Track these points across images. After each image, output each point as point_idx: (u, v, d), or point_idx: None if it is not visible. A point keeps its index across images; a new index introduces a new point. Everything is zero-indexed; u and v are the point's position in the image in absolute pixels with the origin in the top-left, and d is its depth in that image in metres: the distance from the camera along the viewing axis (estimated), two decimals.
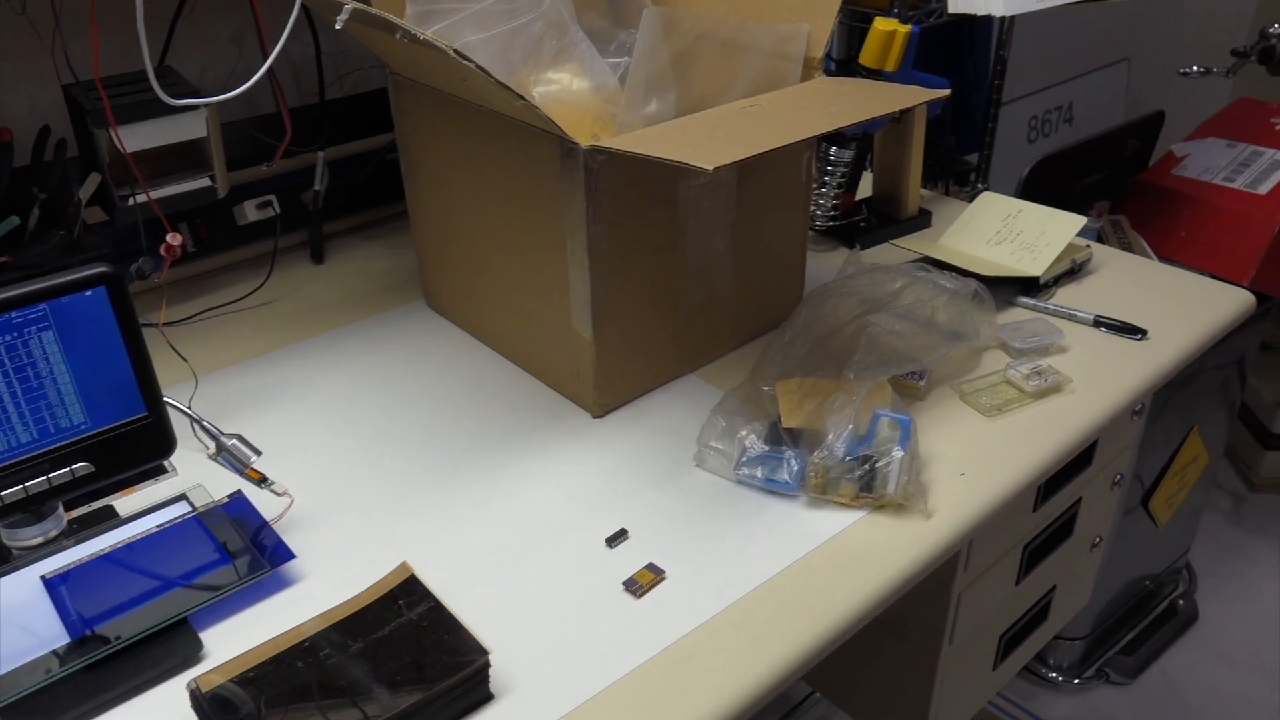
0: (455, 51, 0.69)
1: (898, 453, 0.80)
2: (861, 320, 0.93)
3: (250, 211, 1.13)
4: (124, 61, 1.05)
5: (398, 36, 0.74)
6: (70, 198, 0.97)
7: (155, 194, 1.00)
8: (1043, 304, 1.08)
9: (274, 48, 0.82)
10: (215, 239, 1.15)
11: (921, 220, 1.28)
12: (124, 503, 0.82)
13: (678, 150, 0.72)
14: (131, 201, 0.98)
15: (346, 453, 0.89)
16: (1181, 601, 1.90)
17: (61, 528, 0.64)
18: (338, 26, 0.78)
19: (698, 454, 0.86)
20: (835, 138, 1.17)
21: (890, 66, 1.11)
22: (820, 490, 0.81)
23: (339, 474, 0.86)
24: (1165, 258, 1.59)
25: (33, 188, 0.97)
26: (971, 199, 1.24)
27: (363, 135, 1.22)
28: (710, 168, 0.68)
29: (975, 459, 0.86)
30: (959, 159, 1.92)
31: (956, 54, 2.11)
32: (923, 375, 0.94)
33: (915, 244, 1.18)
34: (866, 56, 1.11)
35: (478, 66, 0.71)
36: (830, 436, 0.82)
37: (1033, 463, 0.86)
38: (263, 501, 0.81)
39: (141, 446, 0.62)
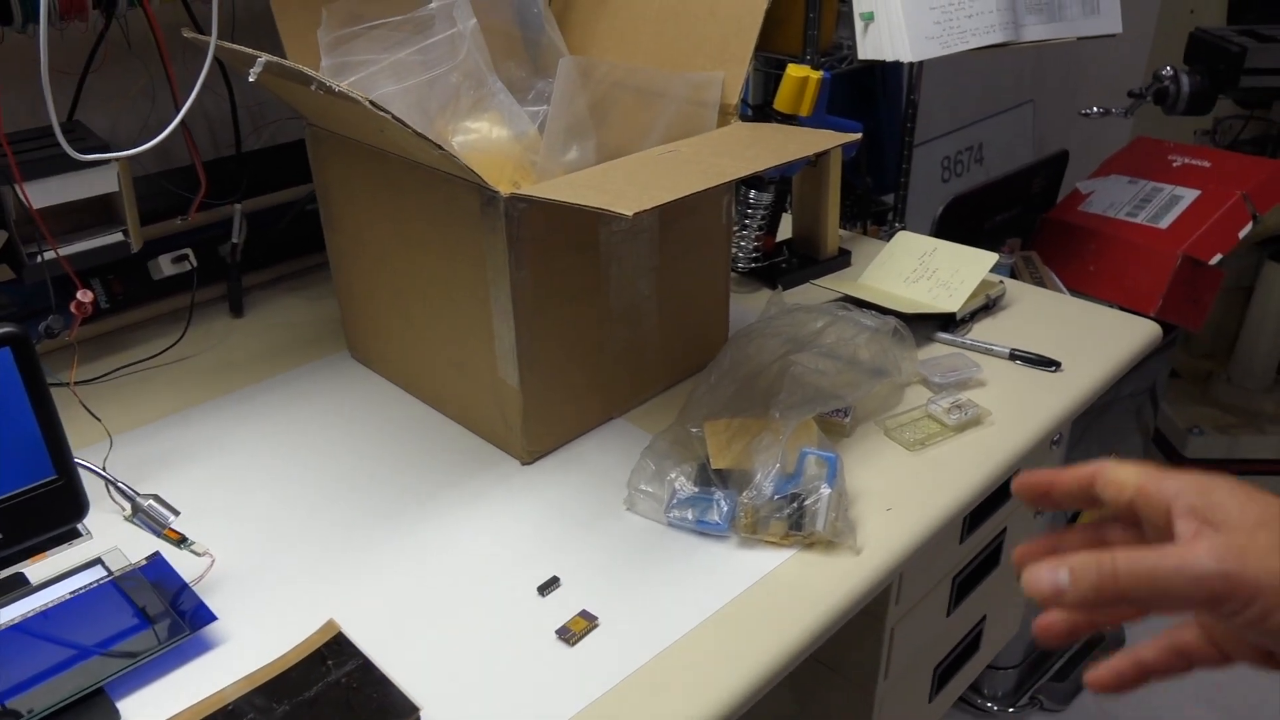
0: (371, 103, 0.69)
1: (825, 490, 0.81)
2: (785, 360, 0.94)
3: (166, 266, 1.11)
4: (32, 116, 1.03)
5: (313, 88, 0.74)
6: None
7: (66, 250, 0.97)
8: (960, 339, 1.11)
9: (185, 101, 0.81)
10: (130, 294, 1.12)
11: (841, 260, 1.31)
12: (35, 569, 0.78)
13: (598, 196, 0.72)
14: (40, 259, 0.96)
15: (269, 511, 0.86)
16: (1109, 628, 1.94)
17: None
18: (251, 79, 0.77)
19: (628, 498, 0.86)
20: (754, 181, 1.19)
21: (804, 111, 1.14)
22: (751, 530, 0.81)
23: (262, 532, 0.84)
24: (1076, 291, 1.65)
25: None
26: (889, 238, 1.27)
27: (281, 186, 1.21)
28: (630, 213, 0.69)
29: (902, 493, 0.87)
30: (876, 200, 1.97)
31: (870, 98, 2.17)
32: (847, 412, 0.95)
33: (836, 283, 1.20)
34: (781, 102, 1.14)
35: (394, 117, 0.71)
36: (758, 476, 0.83)
37: (957, 495, 0.88)
38: (183, 563, 0.78)
39: (52, 511, 0.60)
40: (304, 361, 1.09)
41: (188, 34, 0.84)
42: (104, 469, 0.80)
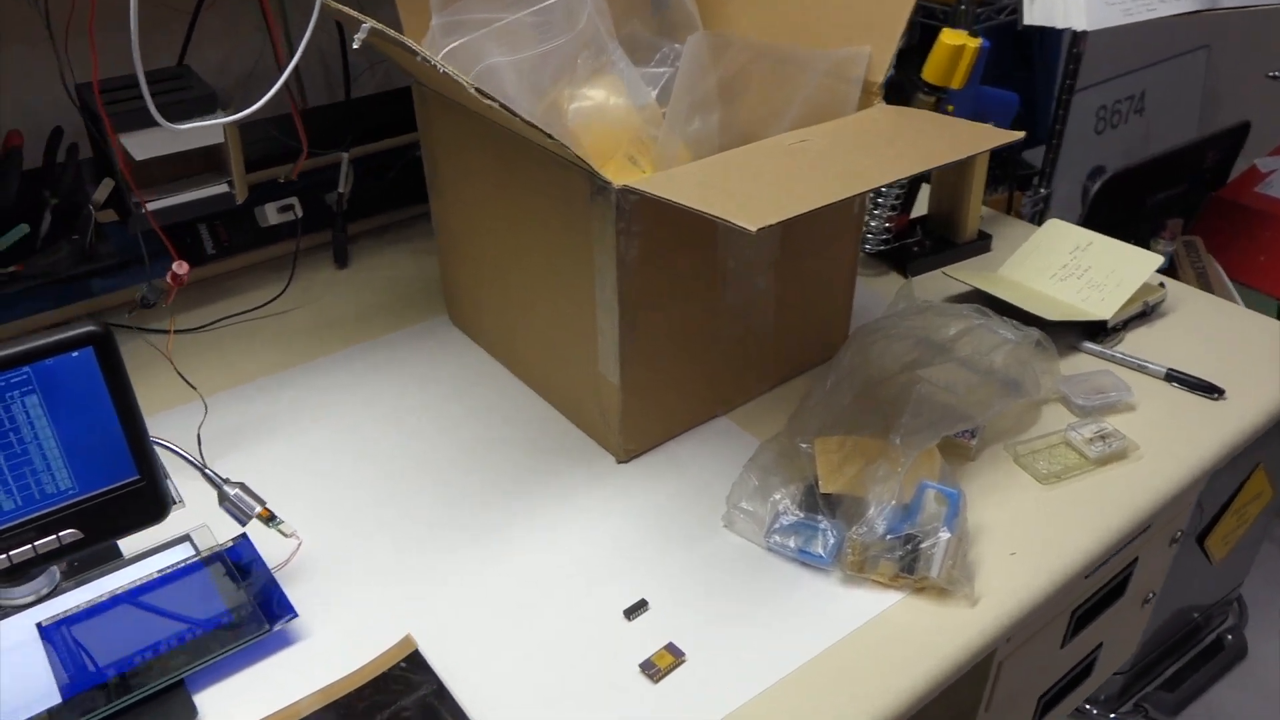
0: (477, 90, 0.63)
1: (944, 535, 0.73)
2: (911, 375, 0.86)
3: (272, 214, 1.08)
4: (145, 58, 1.00)
5: (418, 60, 0.68)
6: (83, 202, 0.93)
7: (170, 201, 0.95)
8: (1110, 351, 1.00)
9: (292, 55, 0.76)
10: (236, 241, 1.10)
11: (980, 245, 1.20)
12: (128, 540, 0.78)
13: (718, 201, 0.65)
14: (144, 209, 0.94)
15: (358, 489, 0.84)
16: (1230, 636, 1.81)
17: (55, 584, 0.61)
18: (354, 46, 0.71)
19: (727, 515, 0.80)
20: None
21: (956, 84, 1.03)
22: (858, 568, 0.75)
23: (348, 515, 0.81)
24: (1241, 283, 1.49)
25: (44, 192, 0.93)
26: (1034, 207, 1.15)
27: (392, 133, 1.16)
28: (754, 228, 0.61)
29: (1028, 535, 0.79)
30: (1023, 162, 1.82)
31: (1024, 42, 1.99)
32: (975, 433, 0.87)
33: (972, 275, 1.10)
34: (930, 71, 1.03)
35: (501, 105, 0.64)
36: (871, 510, 0.76)
37: (1091, 542, 0.79)
38: (268, 543, 0.77)
39: (133, 511, 0.58)
40: (403, 324, 1.06)
41: None
42: (199, 444, 0.79)
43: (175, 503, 0.61)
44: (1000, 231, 1.24)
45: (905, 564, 0.74)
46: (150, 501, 0.59)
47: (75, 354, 0.54)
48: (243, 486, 0.70)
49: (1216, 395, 0.94)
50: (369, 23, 0.70)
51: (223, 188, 0.98)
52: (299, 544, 0.77)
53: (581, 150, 0.89)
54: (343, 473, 0.86)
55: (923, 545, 0.74)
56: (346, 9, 0.74)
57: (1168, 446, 0.88)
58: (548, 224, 0.82)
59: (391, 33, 0.69)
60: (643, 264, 0.76)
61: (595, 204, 0.74)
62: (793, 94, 0.85)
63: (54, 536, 0.56)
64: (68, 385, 0.54)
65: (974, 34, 1.02)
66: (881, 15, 0.85)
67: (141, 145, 0.90)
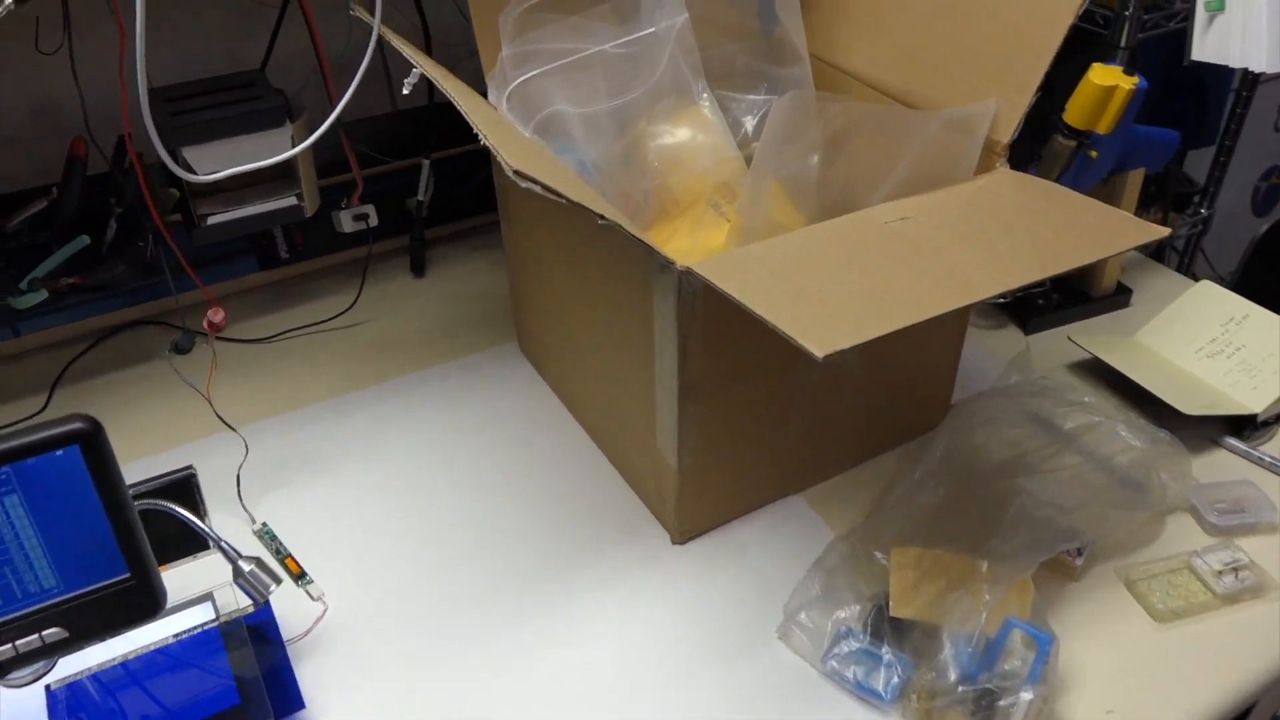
0: (515, 173, 0.55)
1: (1025, 696, 0.63)
2: (1013, 484, 0.75)
3: (347, 222, 1.04)
4: (229, 60, 0.97)
5: (471, 125, 0.61)
6: (148, 210, 0.90)
7: (236, 214, 0.91)
8: (1256, 453, 0.86)
9: (342, 97, 0.70)
10: (311, 245, 1.06)
11: (1118, 300, 1.06)
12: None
13: (788, 306, 0.56)
14: (209, 220, 0.90)
15: (400, 547, 0.79)
16: None
17: (53, 665, 0.59)
18: (405, 92, 0.65)
19: (782, 626, 0.72)
20: None
21: (1103, 129, 0.89)
22: (924, 717, 0.66)
23: (384, 579, 0.77)
24: None
25: (110, 199, 0.90)
26: (1193, 230, 1.00)
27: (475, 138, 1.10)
28: (820, 355, 0.52)
29: (1132, 686, 0.69)
30: (1182, 177, 1.63)
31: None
32: (1082, 551, 0.76)
33: (1102, 343, 0.97)
34: (1074, 114, 0.89)
35: (544, 187, 0.56)
36: (945, 649, 0.66)
37: (1208, 703, 0.68)
38: (293, 600, 0.73)
39: (123, 608, 0.55)
40: (473, 348, 1.00)
41: (355, 8, 0.72)
42: (237, 484, 0.76)
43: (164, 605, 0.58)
44: (1144, 283, 1.09)
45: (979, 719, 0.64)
46: (142, 598, 0.55)
47: (60, 452, 0.50)
48: (259, 562, 0.66)
49: None
50: (419, 69, 0.63)
51: (291, 200, 0.93)
52: (324, 610, 0.74)
53: (665, 190, 0.81)
54: (388, 525, 0.81)
55: (1000, 703, 0.64)
56: (402, 44, 0.67)
57: None
58: (609, 286, 0.74)
59: (443, 85, 0.62)
60: (707, 344, 0.68)
61: (659, 280, 0.66)
62: (903, 147, 0.74)
63: (37, 635, 0.53)
64: (52, 483, 0.50)
65: (1130, 71, 0.88)
66: (1016, 61, 0.73)
67: (204, 160, 0.85)
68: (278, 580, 0.67)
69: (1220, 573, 0.75)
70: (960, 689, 0.65)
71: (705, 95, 0.76)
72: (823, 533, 0.80)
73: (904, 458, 0.86)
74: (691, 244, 0.76)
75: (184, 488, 0.83)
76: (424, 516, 0.82)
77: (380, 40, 1.05)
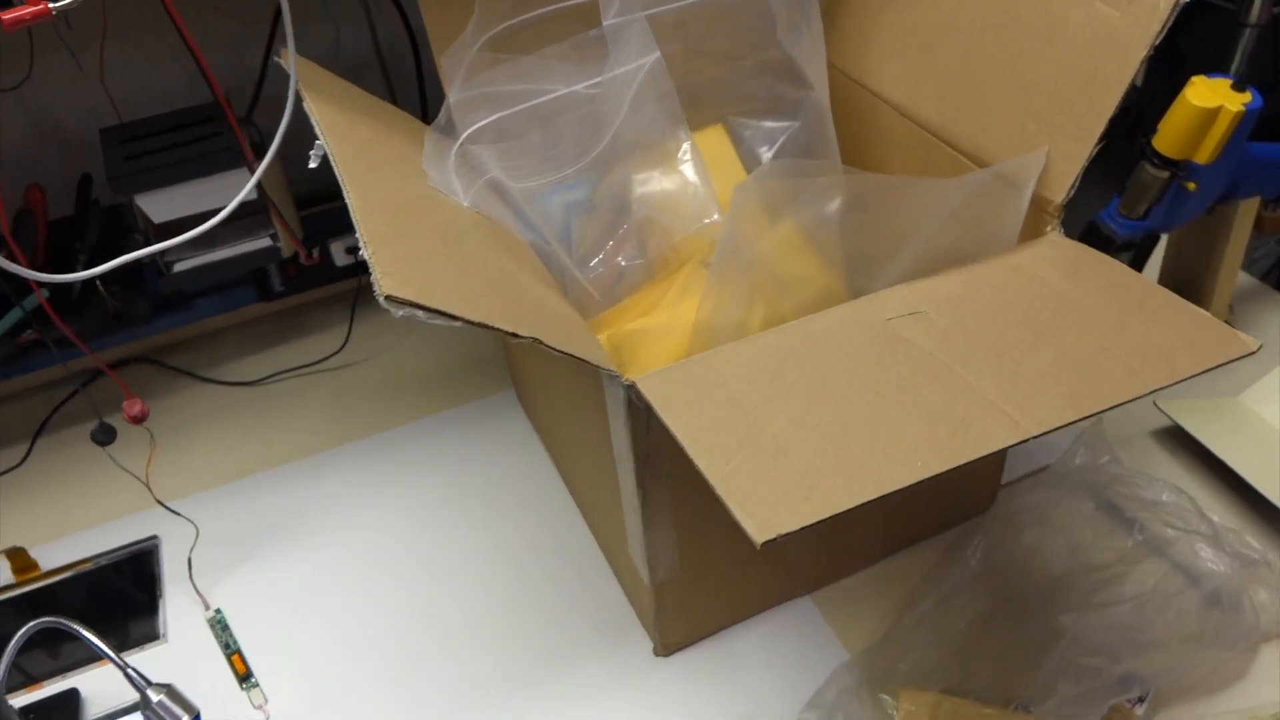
0: (428, 310, 0.44)
1: None
2: (1057, 622, 0.62)
3: (339, 255, 0.96)
4: (185, 92, 0.89)
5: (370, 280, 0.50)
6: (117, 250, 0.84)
7: (205, 259, 0.84)
8: None
9: (265, 158, 0.60)
10: (306, 277, 0.98)
11: None
12: (91, 682, 0.70)
13: (735, 461, 0.45)
14: (172, 269, 0.84)
15: (357, 647, 0.72)
16: None
17: None
18: (312, 165, 0.55)
19: None
20: (1096, 244, 0.80)
21: (1203, 158, 0.73)
22: None
23: (336, 683, 0.70)
24: None
25: (75, 244, 0.84)
26: None
27: None
28: (759, 541, 0.41)
29: None
30: None
31: None
32: (1145, 697, 0.62)
33: (1194, 412, 0.80)
34: (1166, 141, 0.73)
35: (478, 324, 0.45)
36: None
37: None
38: (235, 706, 0.67)
39: None
40: (467, 395, 0.91)
41: (283, 57, 0.63)
42: (189, 567, 0.70)
43: None
44: (1257, 320, 0.92)
45: None
46: None
47: None
48: (169, 691, 0.60)
49: None
50: (322, 147, 0.53)
51: (265, 241, 0.86)
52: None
53: (654, 238, 0.70)
54: (349, 615, 0.74)
55: None
56: (315, 108, 0.57)
57: None
58: (574, 379, 0.64)
59: (337, 164, 0.52)
60: (674, 459, 0.57)
61: (608, 388, 0.55)
62: (929, 209, 0.61)
63: None
64: None
65: (1240, 85, 0.71)
66: (1076, 100, 0.58)
67: (161, 206, 0.78)
68: (192, 711, 0.60)
69: None
70: None
71: (686, 146, 0.64)
72: (832, 648, 0.69)
73: (939, 552, 0.73)
74: (673, 316, 0.65)
75: (144, 561, 0.78)
76: (390, 607, 0.74)
77: (381, 55, 0.96)
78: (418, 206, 0.53)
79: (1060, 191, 0.59)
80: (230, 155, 0.78)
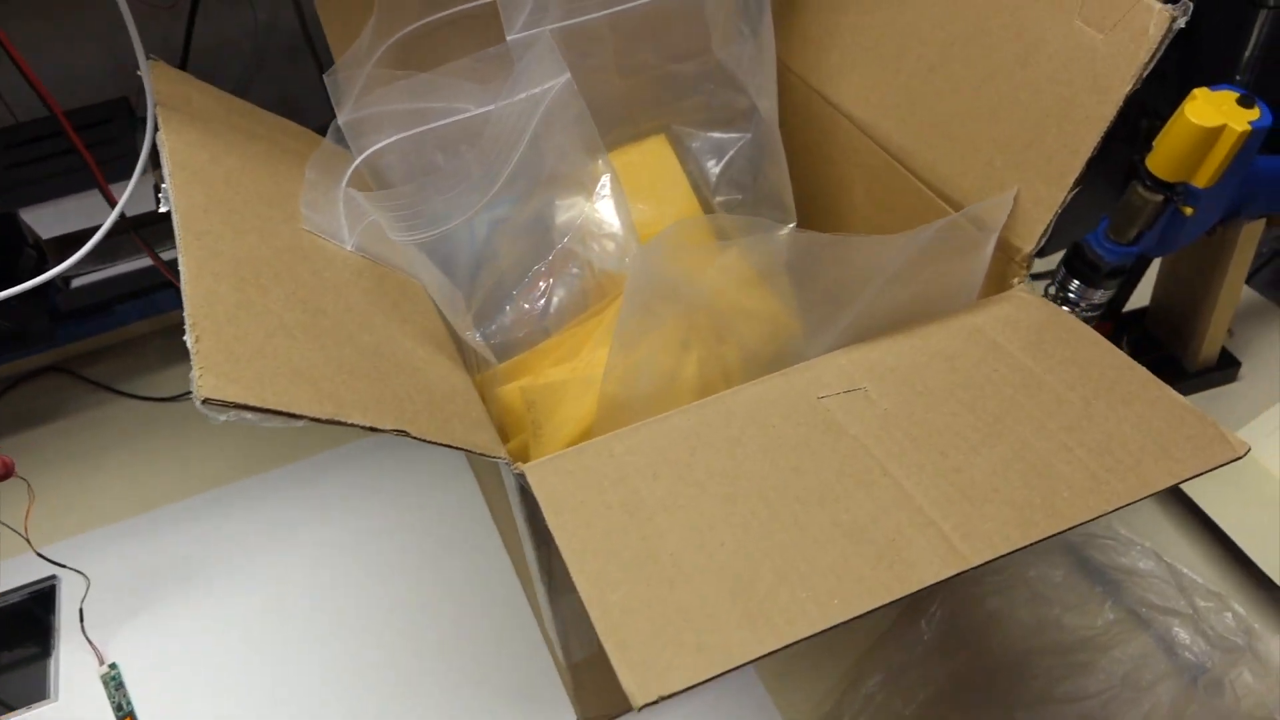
0: (261, 410, 0.38)
1: None
2: (1006, 715, 0.56)
3: None
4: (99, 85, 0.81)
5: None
6: (27, 262, 0.77)
7: (99, 275, 0.77)
8: None
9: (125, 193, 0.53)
10: None
11: (1219, 376, 0.82)
12: None
13: (621, 592, 0.38)
14: (76, 284, 0.77)
15: (260, 709, 0.66)
16: None
17: None
18: (160, 209, 0.48)
19: None
20: (1081, 269, 0.72)
21: (1202, 181, 0.65)
22: None
23: None
24: None
25: None
26: None
27: None
28: (638, 705, 0.35)
29: None
30: None
31: None
32: None
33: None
34: (1160, 162, 0.65)
35: (308, 419, 0.39)
36: None
37: None
38: None
39: None
40: None
41: (150, 65, 0.55)
42: (80, 619, 0.64)
43: None
44: (1260, 341, 0.84)
45: None
46: None
47: None
48: None
49: None
50: (166, 188, 0.46)
51: (174, 252, 0.78)
52: None
53: (579, 270, 0.63)
54: (254, 671, 0.68)
55: None
56: (170, 140, 0.49)
57: None
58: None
59: (177, 220, 0.45)
60: None
61: (503, 470, 0.48)
62: (895, 252, 0.53)
63: None
64: None
65: (1246, 100, 0.63)
66: (1048, 136, 0.50)
67: (49, 220, 0.71)
68: None
69: None
70: None
71: (606, 180, 0.56)
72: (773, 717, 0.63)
73: (897, 610, 0.67)
74: (595, 364, 0.58)
75: (38, 608, 0.73)
76: (298, 665, 0.68)
77: (309, 35, 0.88)
78: (279, 264, 0.46)
79: (1030, 240, 0.51)
80: (119, 164, 0.71)
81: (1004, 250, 0.53)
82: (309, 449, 0.83)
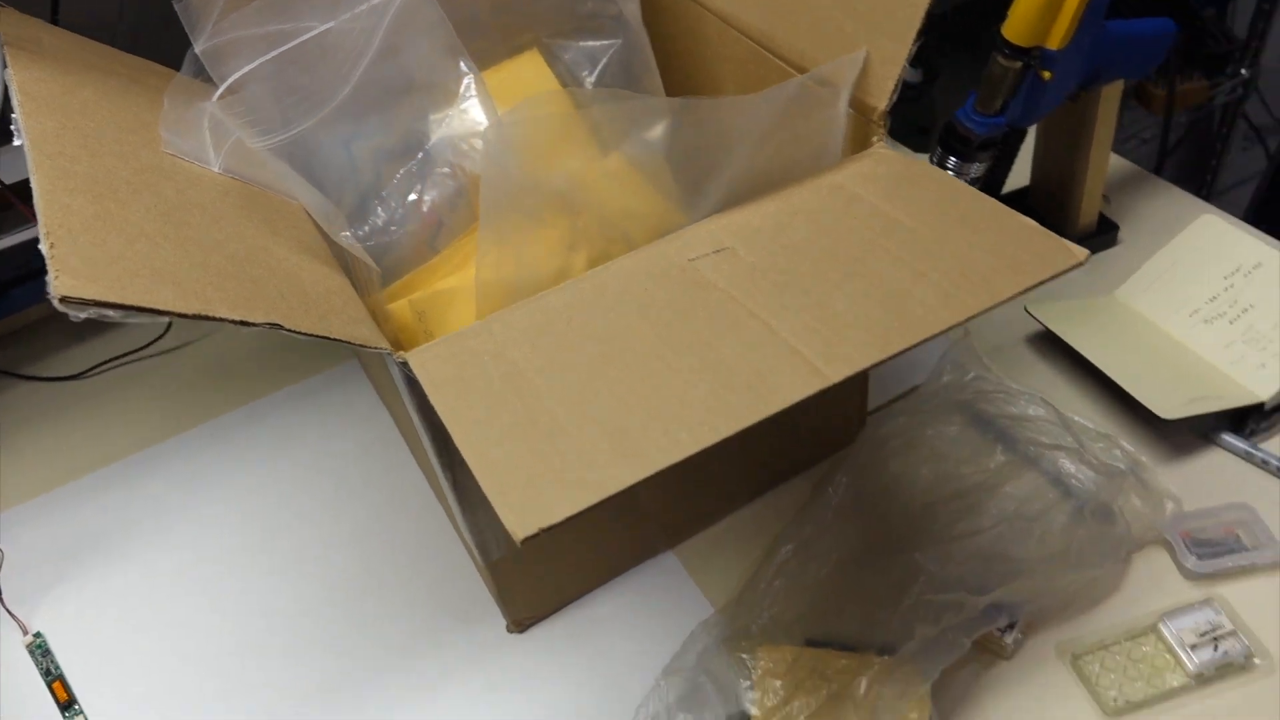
0: (124, 307, 0.38)
1: None
2: (911, 558, 0.58)
3: None
4: None
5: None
6: None
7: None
8: (1260, 452, 0.68)
9: None
10: None
11: (1099, 241, 0.85)
12: None
13: (502, 448, 0.39)
14: None
15: (192, 655, 0.66)
16: None
17: None
18: (16, 143, 0.47)
19: None
20: (954, 145, 0.75)
21: (1055, 43, 0.67)
22: None
23: (172, 699, 0.64)
24: None
25: None
26: (1231, 94, 0.79)
27: None
28: (519, 537, 0.36)
29: None
30: (1217, 31, 1.36)
31: None
32: (1014, 624, 0.59)
33: (1064, 314, 0.77)
34: (1013, 27, 0.67)
35: (173, 315, 0.39)
36: None
37: None
38: None
39: None
40: (310, 369, 0.84)
41: None
42: None
43: None
44: (1137, 211, 0.88)
45: None
46: None
47: None
48: None
49: None
50: (15, 118, 0.46)
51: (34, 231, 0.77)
52: None
53: (462, 184, 0.63)
54: (187, 623, 0.68)
55: None
56: (17, 74, 0.49)
57: None
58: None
59: (29, 144, 0.44)
60: None
61: (389, 363, 0.49)
62: (755, 117, 0.54)
63: None
64: None
65: None
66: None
67: None
68: None
69: (1195, 645, 0.58)
70: None
71: (468, 81, 0.57)
72: (698, 604, 0.65)
73: (809, 489, 0.69)
74: (507, 260, 0.59)
75: None
76: (230, 612, 0.68)
77: None
78: (139, 182, 0.46)
79: (883, 98, 0.53)
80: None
81: (861, 111, 0.55)
82: (221, 408, 0.82)
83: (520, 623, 0.64)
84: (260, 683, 0.64)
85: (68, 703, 0.65)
